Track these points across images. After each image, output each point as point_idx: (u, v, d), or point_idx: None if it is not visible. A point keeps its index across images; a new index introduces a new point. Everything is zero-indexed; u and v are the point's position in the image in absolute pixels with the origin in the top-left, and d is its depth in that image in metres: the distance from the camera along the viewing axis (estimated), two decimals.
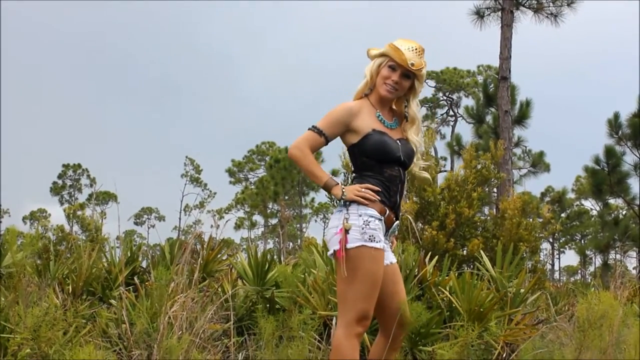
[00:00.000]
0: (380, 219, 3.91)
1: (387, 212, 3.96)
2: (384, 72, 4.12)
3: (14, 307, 4.27)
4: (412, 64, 4.07)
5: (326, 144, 4.11)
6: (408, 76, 4.12)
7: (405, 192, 4.31)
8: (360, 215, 3.88)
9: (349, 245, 3.83)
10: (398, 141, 4.11)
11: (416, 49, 4.12)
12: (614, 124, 22.03)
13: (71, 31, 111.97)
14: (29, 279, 5.33)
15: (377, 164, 4.04)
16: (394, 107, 4.29)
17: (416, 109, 4.24)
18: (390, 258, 4.03)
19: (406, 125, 4.23)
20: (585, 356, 4.74)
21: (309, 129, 4.11)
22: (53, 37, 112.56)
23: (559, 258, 56.99)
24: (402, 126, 4.24)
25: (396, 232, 4.10)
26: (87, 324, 4.81)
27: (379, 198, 3.93)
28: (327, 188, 3.99)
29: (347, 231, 3.85)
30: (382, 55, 4.16)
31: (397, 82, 4.10)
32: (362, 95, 4.23)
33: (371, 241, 3.83)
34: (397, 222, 4.07)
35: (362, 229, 3.84)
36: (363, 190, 3.91)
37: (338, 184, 3.97)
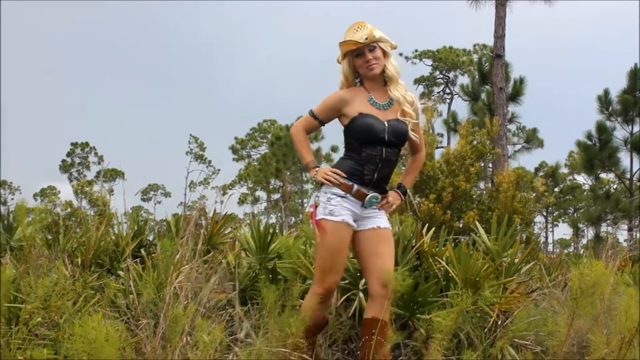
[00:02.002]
0: (343, 196, 4.46)
1: (355, 188, 4.47)
2: (357, 62, 4.62)
3: (25, 278, 4.34)
4: (366, 37, 4.51)
5: (321, 125, 4.75)
6: (373, 47, 4.56)
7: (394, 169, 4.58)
8: (325, 193, 4.51)
9: (316, 219, 4.47)
10: (387, 122, 4.53)
11: (358, 27, 4.60)
12: (604, 100, 22.19)
13: (78, 10, 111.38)
14: (39, 252, 5.42)
15: (359, 144, 4.54)
16: (394, 76, 4.64)
17: (393, 68, 4.65)
18: (375, 223, 4.55)
19: (390, 87, 4.64)
20: (578, 323, 4.87)
21: (307, 112, 4.75)
22: (60, 15, 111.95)
23: (553, 231, 57.10)
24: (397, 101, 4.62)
25: (377, 201, 4.55)
26: (96, 294, 4.89)
27: (340, 181, 4.47)
28: (307, 169, 4.67)
29: (316, 206, 4.51)
30: (344, 56, 4.65)
31: (371, 58, 4.55)
32: (353, 83, 4.73)
33: (330, 215, 4.42)
34: (373, 194, 4.51)
35: (325, 205, 4.47)
36: (329, 173, 4.51)
37: (316, 166, 4.62)
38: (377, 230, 4.51)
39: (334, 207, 4.44)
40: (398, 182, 4.83)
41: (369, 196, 4.48)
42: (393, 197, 4.68)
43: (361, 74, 4.65)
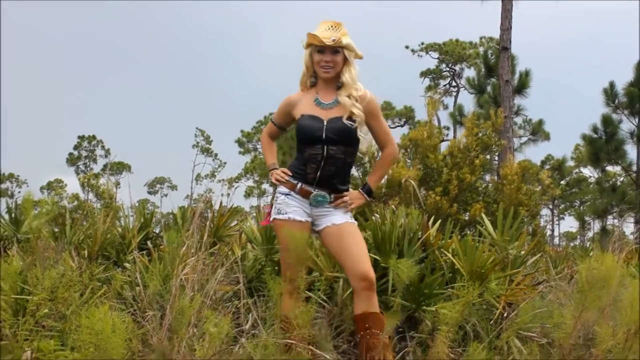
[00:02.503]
0: (287, 194, 4.62)
1: (299, 186, 4.60)
2: (316, 58, 4.65)
3: (32, 270, 4.36)
4: (334, 40, 4.53)
5: (282, 130, 5.04)
6: (337, 51, 4.58)
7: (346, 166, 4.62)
8: (276, 193, 4.71)
9: (269, 219, 4.74)
10: (327, 120, 4.59)
11: (332, 26, 4.63)
12: (609, 93, 22.12)
13: (87, 4, 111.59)
14: (46, 244, 5.44)
15: (301, 144, 4.66)
16: (350, 84, 4.67)
17: (349, 75, 4.65)
18: (329, 221, 4.60)
19: (340, 92, 4.66)
20: (585, 316, 4.87)
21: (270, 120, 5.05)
22: (69, 11, 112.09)
23: (559, 224, 57.17)
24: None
25: (328, 200, 4.62)
26: (103, 286, 4.91)
27: (286, 178, 4.64)
28: (268, 170, 4.90)
29: (271, 207, 4.74)
30: (308, 45, 4.66)
31: (329, 60, 4.60)
32: (308, 84, 4.79)
33: (278, 213, 4.61)
34: (318, 192, 4.59)
35: (275, 204, 4.68)
36: (278, 172, 4.72)
37: (275, 169, 4.80)
38: (332, 228, 4.57)
39: (280, 206, 4.63)
40: (363, 184, 4.84)
41: (312, 194, 4.58)
42: (353, 196, 4.70)
43: (315, 70, 4.70)
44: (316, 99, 4.68)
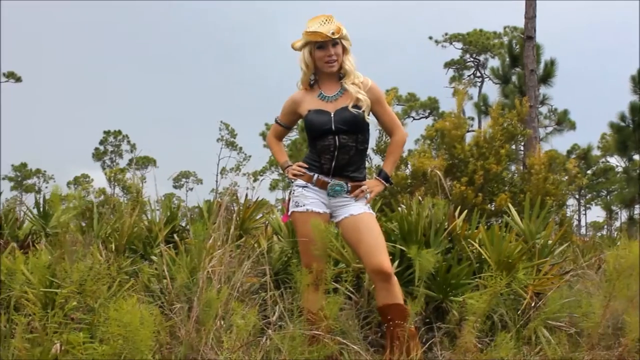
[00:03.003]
0: (304, 186, 4.65)
1: (316, 177, 4.63)
2: (318, 55, 4.66)
3: (60, 264, 4.39)
4: (333, 33, 4.56)
5: (287, 130, 5.10)
6: (336, 43, 4.62)
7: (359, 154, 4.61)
8: (293, 186, 4.74)
9: (287, 213, 4.77)
10: (334, 112, 4.62)
11: (326, 20, 4.64)
12: (637, 80, 21.85)
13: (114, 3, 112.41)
14: (74, 238, 5.47)
15: (312, 139, 4.70)
16: (351, 72, 4.70)
17: (349, 63, 4.70)
18: (347, 212, 4.60)
19: (345, 80, 4.70)
20: (613, 305, 4.83)
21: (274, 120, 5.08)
22: (94, 5, 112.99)
23: (585, 214, 56.74)
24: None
25: (346, 189, 4.61)
26: (130, 279, 4.94)
27: (302, 172, 4.69)
28: (283, 170, 4.93)
29: (288, 201, 4.76)
30: (306, 44, 4.68)
31: (332, 54, 4.62)
32: (308, 84, 4.81)
33: (296, 206, 4.64)
34: (334, 182, 4.61)
35: (292, 198, 4.71)
36: (294, 167, 4.77)
37: (290, 165, 4.85)
38: (350, 219, 4.57)
39: (298, 198, 4.66)
40: (379, 170, 4.84)
41: (329, 184, 4.59)
42: (371, 184, 4.70)
43: (318, 67, 4.71)
44: (320, 94, 4.72)
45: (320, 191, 4.61)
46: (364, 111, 4.58)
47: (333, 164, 4.57)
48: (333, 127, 4.55)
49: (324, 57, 4.62)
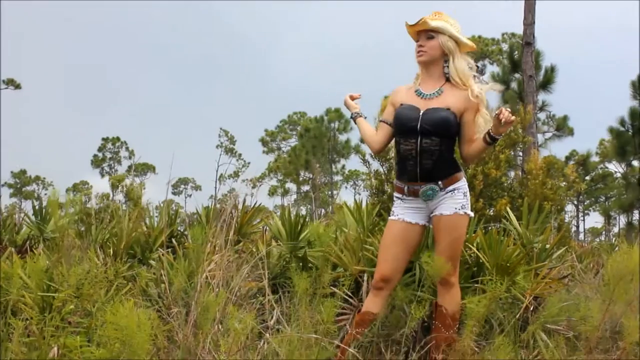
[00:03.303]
0: (400, 198, 4.64)
1: (406, 189, 4.58)
2: (415, 46, 4.62)
3: (58, 268, 4.39)
4: (416, 22, 4.53)
5: (388, 125, 4.74)
6: (431, 37, 4.53)
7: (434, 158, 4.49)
8: (394, 197, 4.74)
9: None
10: (423, 110, 4.51)
11: (434, 15, 4.58)
12: (637, 85, 21.91)
13: (112, 10, 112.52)
14: (72, 242, 5.47)
15: (397, 137, 4.61)
16: (453, 78, 4.60)
17: (454, 67, 4.57)
18: (438, 211, 4.54)
19: (454, 86, 4.59)
20: (612, 309, 4.83)
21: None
22: (94, 15, 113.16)
23: (584, 220, 56.77)
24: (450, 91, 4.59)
25: (438, 189, 4.53)
26: (128, 283, 4.94)
27: (396, 186, 4.69)
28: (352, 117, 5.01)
29: None
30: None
31: (421, 44, 4.56)
32: (416, 77, 4.74)
33: (391, 215, 4.65)
34: (424, 188, 4.53)
35: (392, 208, 4.71)
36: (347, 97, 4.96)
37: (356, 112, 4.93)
38: (436, 218, 4.55)
39: (394, 208, 4.66)
40: (484, 141, 4.54)
41: (420, 191, 4.52)
42: (495, 120, 4.39)
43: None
44: (417, 89, 4.63)
45: (417, 199, 4.58)
46: (454, 114, 4.49)
47: (418, 169, 4.49)
48: (418, 126, 4.45)
49: (416, 49, 4.61)
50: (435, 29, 4.50)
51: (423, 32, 4.53)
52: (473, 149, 4.62)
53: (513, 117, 4.31)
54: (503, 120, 4.30)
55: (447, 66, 4.58)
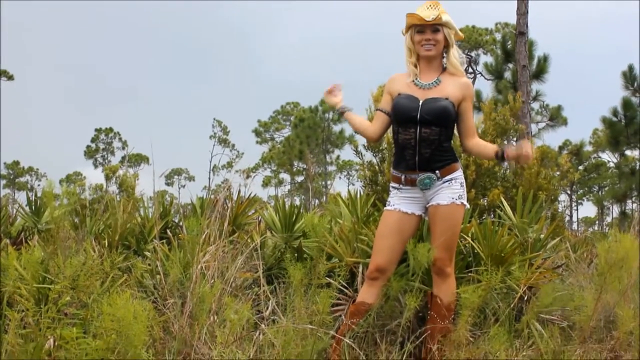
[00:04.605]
0: (397, 188, 4.64)
1: (404, 178, 4.59)
2: (417, 38, 4.61)
3: (54, 259, 4.39)
4: (433, 18, 4.48)
5: (386, 115, 4.74)
6: (437, 30, 4.55)
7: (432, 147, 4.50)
8: (390, 188, 4.74)
9: None
10: (422, 100, 4.53)
11: (430, 5, 4.58)
12: (628, 76, 21.99)
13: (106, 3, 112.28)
14: (67, 234, 5.47)
15: (396, 126, 4.63)
16: (453, 66, 4.67)
17: (454, 58, 4.65)
18: (434, 201, 4.56)
19: (450, 75, 4.66)
20: (605, 298, 4.86)
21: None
22: (87, 7, 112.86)
23: (577, 210, 56.93)
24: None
25: (435, 178, 4.55)
26: (123, 274, 4.94)
27: (392, 175, 4.68)
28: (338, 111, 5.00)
29: None
30: (408, 28, 4.64)
31: (430, 38, 4.56)
32: (413, 67, 4.69)
33: (388, 205, 4.66)
34: (422, 176, 4.55)
35: (389, 198, 4.70)
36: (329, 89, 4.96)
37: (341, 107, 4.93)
38: (434, 207, 4.56)
39: (391, 199, 4.66)
40: (494, 153, 4.66)
41: (418, 180, 4.54)
42: (518, 150, 4.50)
43: (416, 50, 4.66)
44: (415, 80, 4.64)
45: (414, 189, 4.59)
46: (452, 103, 4.53)
47: (417, 158, 4.51)
48: (418, 115, 4.48)
49: (421, 41, 4.58)
50: (445, 24, 4.56)
51: (429, 25, 4.55)
52: (478, 151, 4.79)
53: (531, 156, 4.47)
54: (524, 154, 4.44)
55: (447, 57, 4.65)
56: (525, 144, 4.45)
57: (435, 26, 4.54)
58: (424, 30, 4.57)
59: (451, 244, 4.56)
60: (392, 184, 4.68)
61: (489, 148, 4.72)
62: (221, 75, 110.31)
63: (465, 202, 4.59)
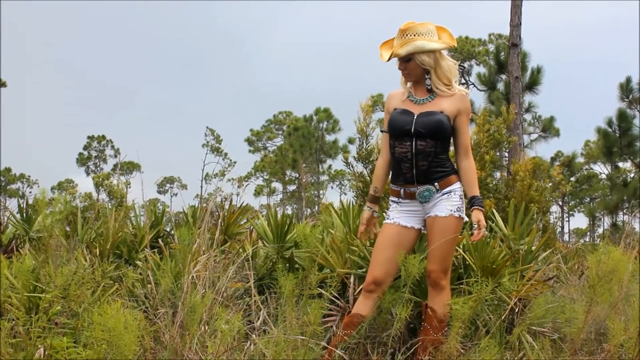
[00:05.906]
0: (396, 202, 4.66)
1: (402, 191, 4.62)
2: (397, 65, 4.67)
3: (45, 268, 4.38)
4: (386, 58, 4.60)
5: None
6: (408, 59, 4.58)
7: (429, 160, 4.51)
8: (389, 202, 4.75)
9: None
10: (417, 114, 4.56)
11: (400, 32, 4.59)
12: (625, 87, 22.10)
13: (98, 8, 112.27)
14: (58, 242, 5.46)
15: (392, 140, 4.63)
16: (436, 85, 4.65)
17: (436, 79, 4.63)
18: (433, 212, 4.57)
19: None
20: (596, 310, 4.87)
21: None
22: (81, 10, 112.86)
23: (569, 221, 57.00)
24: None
25: (434, 191, 4.57)
26: (115, 284, 4.93)
27: (390, 190, 4.71)
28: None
29: None
30: None
31: (402, 69, 4.64)
32: (405, 86, 4.74)
33: (387, 219, 4.68)
34: (421, 189, 4.57)
35: (388, 212, 4.72)
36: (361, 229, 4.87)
37: (371, 206, 4.85)
38: (430, 219, 4.58)
39: (390, 212, 4.68)
40: (470, 197, 4.67)
41: (417, 192, 4.56)
42: (478, 217, 4.55)
43: None
44: (410, 95, 4.67)
45: (413, 202, 4.61)
46: (447, 116, 4.54)
47: (414, 171, 4.54)
48: (412, 129, 4.50)
49: (399, 68, 4.66)
50: (406, 56, 4.55)
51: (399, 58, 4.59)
52: (462, 179, 4.70)
53: (476, 239, 4.59)
54: (475, 234, 4.56)
55: (430, 78, 4.61)
56: (480, 232, 4.51)
57: (404, 57, 4.57)
58: (398, 61, 4.63)
59: (447, 257, 4.56)
60: (392, 198, 4.70)
61: (468, 189, 4.68)
62: (215, 84, 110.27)
63: (463, 214, 4.59)
